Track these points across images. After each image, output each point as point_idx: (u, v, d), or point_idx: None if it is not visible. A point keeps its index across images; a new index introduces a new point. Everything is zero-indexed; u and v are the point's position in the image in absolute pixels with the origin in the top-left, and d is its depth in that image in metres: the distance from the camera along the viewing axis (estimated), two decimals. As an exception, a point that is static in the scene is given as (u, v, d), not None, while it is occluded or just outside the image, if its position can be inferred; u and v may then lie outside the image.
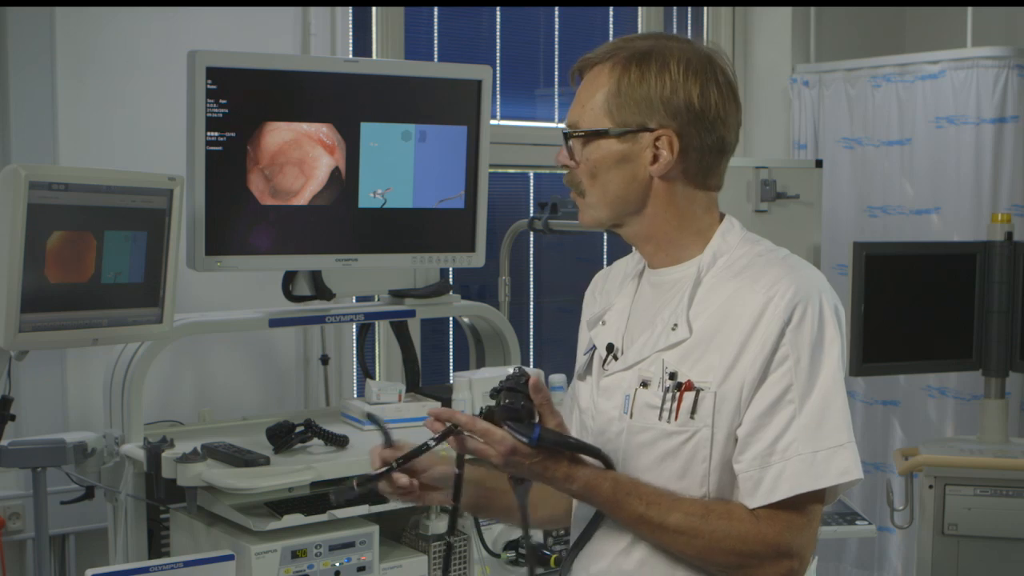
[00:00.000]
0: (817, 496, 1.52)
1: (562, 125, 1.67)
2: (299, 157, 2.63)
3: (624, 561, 1.59)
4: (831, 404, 1.52)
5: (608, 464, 1.55)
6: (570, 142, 1.62)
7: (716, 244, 1.62)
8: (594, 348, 1.68)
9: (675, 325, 1.58)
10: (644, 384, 1.58)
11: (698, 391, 1.53)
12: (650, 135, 1.57)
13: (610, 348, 1.64)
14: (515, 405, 1.50)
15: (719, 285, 1.58)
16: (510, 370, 1.53)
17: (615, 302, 1.70)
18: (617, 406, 1.61)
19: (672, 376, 1.55)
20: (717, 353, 1.54)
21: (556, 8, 3.94)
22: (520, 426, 1.48)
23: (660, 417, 1.56)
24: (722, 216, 1.66)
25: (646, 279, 1.68)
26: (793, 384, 1.51)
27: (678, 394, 1.54)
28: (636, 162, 1.59)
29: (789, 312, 1.51)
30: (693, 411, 1.54)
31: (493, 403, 1.53)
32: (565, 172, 1.66)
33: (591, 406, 1.65)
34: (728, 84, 1.60)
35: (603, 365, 1.65)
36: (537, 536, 2.67)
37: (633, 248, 1.70)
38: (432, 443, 1.53)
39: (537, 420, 1.52)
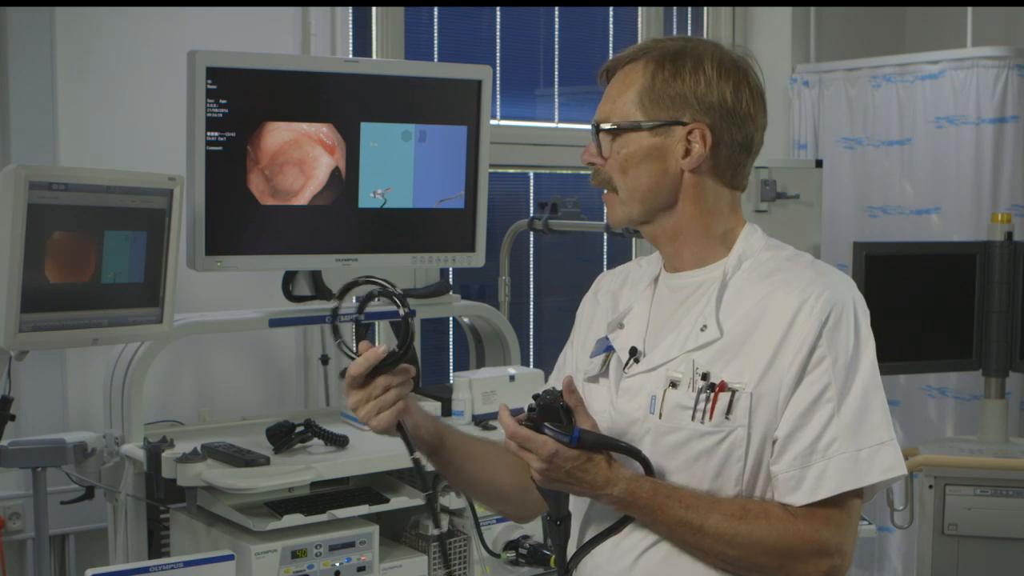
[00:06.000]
0: (857, 493, 1.53)
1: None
2: (299, 157, 2.63)
3: (646, 560, 1.58)
4: (871, 403, 1.53)
5: (646, 465, 1.55)
6: (599, 137, 1.63)
7: (740, 247, 1.63)
8: (609, 350, 1.68)
9: (704, 326, 1.58)
10: (673, 385, 1.58)
11: (733, 392, 1.53)
12: (683, 129, 1.59)
13: (633, 352, 1.64)
14: (553, 405, 1.52)
15: (747, 287, 1.59)
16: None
17: (633, 306, 1.69)
18: (641, 407, 1.60)
19: (704, 377, 1.55)
20: (751, 354, 1.54)
21: (556, 8, 3.94)
22: (560, 426, 1.50)
23: (693, 418, 1.55)
24: (743, 221, 1.67)
25: (663, 283, 1.68)
26: (831, 383, 1.52)
27: (712, 395, 1.54)
28: (668, 156, 1.60)
29: (826, 313, 1.52)
30: (728, 411, 1.54)
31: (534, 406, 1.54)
32: (591, 171, 1.67)
33: (609, 408, 1.64)
34: (758, 86, 1.63)
35: (624, 368, 1.64)
36: (537, 536, 2.67)
37: (633, 256, 1.70)
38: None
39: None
